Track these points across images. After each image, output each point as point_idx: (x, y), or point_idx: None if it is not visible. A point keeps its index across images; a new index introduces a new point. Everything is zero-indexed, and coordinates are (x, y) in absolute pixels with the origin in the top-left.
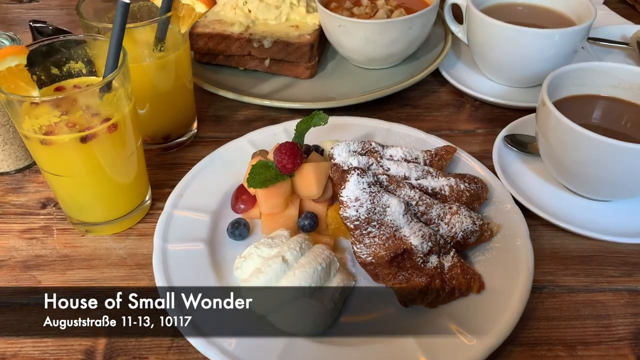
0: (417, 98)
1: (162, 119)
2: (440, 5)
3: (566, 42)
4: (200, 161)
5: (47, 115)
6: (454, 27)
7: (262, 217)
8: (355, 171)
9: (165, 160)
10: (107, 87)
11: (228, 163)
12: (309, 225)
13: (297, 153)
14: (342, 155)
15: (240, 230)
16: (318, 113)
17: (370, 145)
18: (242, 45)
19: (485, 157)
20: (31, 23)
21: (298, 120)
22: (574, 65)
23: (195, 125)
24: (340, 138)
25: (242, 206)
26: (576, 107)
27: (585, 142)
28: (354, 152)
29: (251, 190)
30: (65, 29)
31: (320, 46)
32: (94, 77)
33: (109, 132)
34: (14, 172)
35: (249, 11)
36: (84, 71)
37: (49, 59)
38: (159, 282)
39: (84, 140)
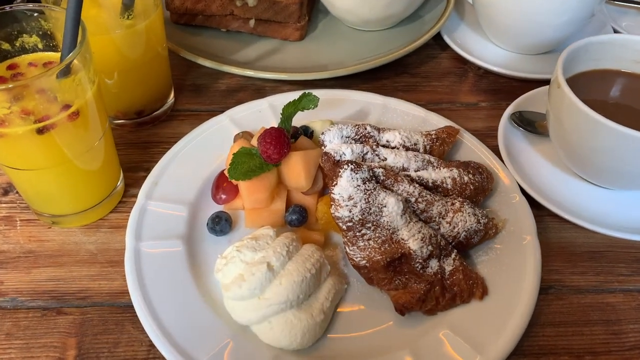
0: (415, 65)
1: (134, 93)
2: None
3: (582, 7)
4: (176, 143)
5: None
6: None
7: (245, 210)
8: (348, 166)
9: (139, 138)
10: (66, 71)
11: (207, 145)
12: (297, 221)
13: (283, 141)
14: (334, 142)
15: (221, 225)
16: (307, 95)
17: (365, 129)
18: (224, 3)
19: (489, 136)
20: None
21: (284, 95)
22: (592, 38)
23: (172, 96)
24: (331, 115)
25: (223, 196)
26: (593, 85)
27: (604, 132)
28: (347, 137)
29: (233, 181)
30: None
31: (310, 3)
32: (52, 53)
33: (70, 121)
34: None
35: None
36: (40, 45)
37: None
38: (132, 289)
39: (40, 131)
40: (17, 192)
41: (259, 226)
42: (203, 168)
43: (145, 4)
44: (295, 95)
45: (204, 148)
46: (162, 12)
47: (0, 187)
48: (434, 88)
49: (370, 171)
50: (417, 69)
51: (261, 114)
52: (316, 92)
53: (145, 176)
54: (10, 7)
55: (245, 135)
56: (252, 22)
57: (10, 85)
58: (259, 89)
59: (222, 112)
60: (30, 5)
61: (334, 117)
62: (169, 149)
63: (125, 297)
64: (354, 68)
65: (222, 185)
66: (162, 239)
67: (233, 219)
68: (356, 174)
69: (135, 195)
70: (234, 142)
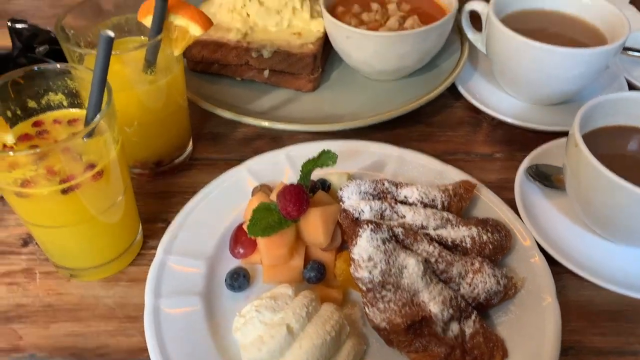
0: (430, 114)
1: (154, 144)
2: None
3: (596, 61)
4: (194, 195)
5: (23, 169)
6: (471, 35)
7: (264, 266)
8: (368, 226)
9: (158, 188)
10: (91, 133)
11: (225, 197)
12: (315, 278)
13: (303, 198)
14: (352, 199)
15: (239, 282)
16: (326, 152)
17: (383, 185)
18: (240, 54)
19: (505, 189)
20: (9, 23)
21: (301, 146)
22: (607, 96)
23: (190, 145)
24: (347, 166)
25: (241, 251)
26: (610, 141)
27: (622, 192)
28: (365, 193)
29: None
30: (47, 28)
31: (325, 53)
32: (77, 110)
33: (94, 180)
34: None
35: (247, 15)
36: (64, 103)
37: (25, 91)
38: (152, 348)
39: (65, 191)
40: (36, 243)
41: (277, 282)
42: (221, 221)
43: (168, 59)
44: (312, 146)
45: (222, 200)
46: (183, 66)
47: (20, 238)
48: (449, 138)
49: (390, 231)
50: (431, 118)
51: (278, 165)
52: (332, 143)
53: (164, 227)
54: (39, 68)
55: (264, 188)
56: (266, 73)
57: (38, 150)
58: (275, 138)
59: (239, 160)
60: (58, 66)
61: (351, 168)
62: (187, 199)
63: (143, 354)
64: (370, 120)
65: (240, 239)
66: (181, 295)
67: (251, 273)
68: (376, 234)
69: (154, 247)
70: (252, 195)
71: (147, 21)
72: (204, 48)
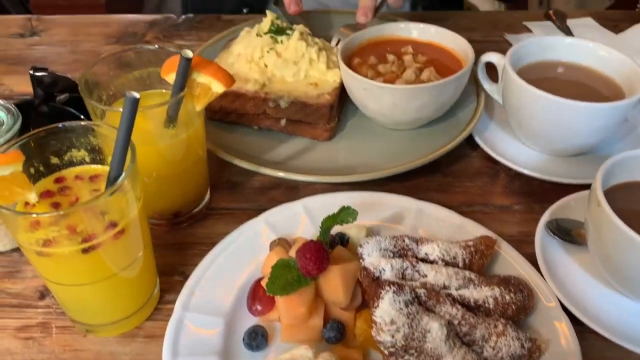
0: (447, 164)
1: (173, 196)
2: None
3: (615, 115)
4: (212, 249)
5: (45, 230)
6: (487, 86)
7: (282, 325)
8: (390, 287)
9: (175, 238)
10: (113, 192)
11: (243, 251)
12: (334, 338)
13: (323, 256)
14: (372, 256)
15: (257, 341)
16: (346, 209)
17: (404, 241)
18: (257, 104)
19: (525, 242)
20: (31, 72)
21: (318, 197)
22: (627, 153)
23: (207, 195)
24: (365, 218)
25: (259, 308)
26: (631, 196)
27: None
28: (385, 250)
29: None
30: (68, 76)
31: (341, 102)
32: (99, 166)
33: (116, 239)
34: (10, 251)
35: (265, 66)
36: (87, 159)
37: (48, 147)
38: None
39: (85, 250)
40: (53, 297)
41: (296, 341)
42: (239, 275)
43: (190, 114)
44: (329, 198)
45: (240, 254)
46: (203, 120)
47: (37, 290)
48: (467, 189)
49: (413, 292)
50: (449, 168)
51: (296, 217)
52: (350, 195)
53: (181, 280)
54: (63, 125)
55: (282, 242)
56: (283, 122)
57: (62, 212)
58: (292, 187)
59: (256, 210)
60: (82, 123)
61: (369, 220)
62: (204, 250)
63: None
64: (387, 172)
65: (258, 296)
66: (199, 355)
67: (269, 331)
68: (399, 296)
69: (171, 302)
70: (270, 249)
71: (170, 78)
72: (222, 98)
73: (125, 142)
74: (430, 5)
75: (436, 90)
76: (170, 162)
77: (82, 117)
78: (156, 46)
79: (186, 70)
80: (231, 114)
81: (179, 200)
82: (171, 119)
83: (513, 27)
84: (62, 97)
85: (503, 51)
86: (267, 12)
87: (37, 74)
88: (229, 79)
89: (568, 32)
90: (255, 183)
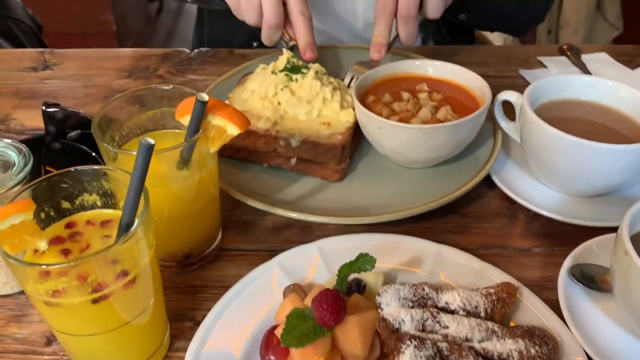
0: (464, 204)
1: (185, 237)
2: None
3: (637, 156)
4: (223, 295)
5: (55, 280)
6: (504, 124)
7: None
8: (411, 342)
9: (185, 281)
10: (125, 241)
11: (255, 297)
12: None
13: (340, 306)
14: (391, 305)
15: None
16: (364, 256)
17: (423, 290)
18: (268, 142)
19: (546, 288)
20: (43, 107)
21: (332, 239)
22: None
23: (219, 235)
24: (382, 262)
25: (272, 358)
26: None
27: None
28: (404, 299)
29: None
30: (80, 111)
31: (354, 141)
32: (111, 210)
33: (126, 289)
34: (18, 294)
35: (279, 103)
36: (98, 203)
37: (60, 192)
38: None
39: (95, 301)
40: (59, 343)
41: None
42: (251, 322)
43: (203, 156)
44: (344, 240)
45: (252, 301)
46: (217, 161)
47: (43, 336)
48: (485, 230)
49: (434, 346)
50: (466, 208)
51: (310, 260)
52: (366, 237)
53: (191, 326)
54: (75, 169)
55: (296, 288)
56: (293, 161)
57: (72, 263)
58: (305, 227)
59: (269, 251)
60: (95, 167)
61: (386, 264)
62: (215, 294)
63: None
64: (402, 214)
65: (272, 345)
66: None
67: None
68: (420, 351)
69: (181, 349)
70: (284, 296)
71: (185, 120)
72: None
73: (139, 188)
74: (441, 38)
75: (453, 130)
76: (183, 204)
77: (93, 154)
78: (171, 86)
79: (201, 113)
80: (242, 150)
81: (191, 242)
82: (185, 160)
83: (527, 62)
84: (73, 133)
85: (517, 86)
86: (284, 50)
87: (49, 109)
88: (245, 121)
89: (583, 67)
90: (267, 222)
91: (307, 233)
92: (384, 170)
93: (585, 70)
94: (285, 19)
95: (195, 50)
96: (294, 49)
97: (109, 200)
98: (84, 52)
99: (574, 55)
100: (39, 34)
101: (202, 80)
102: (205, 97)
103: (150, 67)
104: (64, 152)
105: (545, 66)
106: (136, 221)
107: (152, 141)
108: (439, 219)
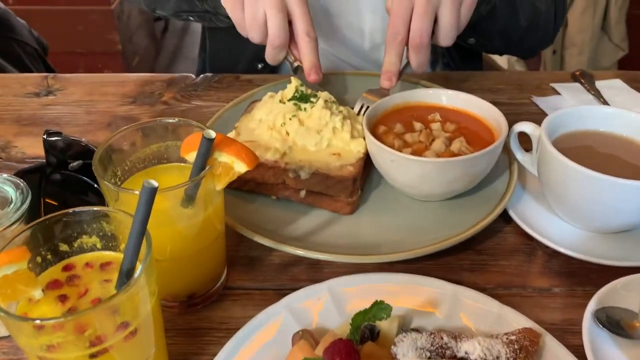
0: (479, 240)
1: (188, 277)
2: None
3: None
4: (228, 342)
5: (49, 336)
6: (520, 156)
7: None
8: None
9: (188, 323)
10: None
11: (262, 344)
12: None
13: (354, 358)
14: (408, 357)
15: None
16: (379, 303)
17: (442, 339)
18: (277, 174)
19: (569, 332)
20: (45, 136)
21: (343, 279)
22: None
23: (224, 273)
24: (397, 303)
25: None
26: None
27: None
28: (421, 349)
29: None
30: (82, 140)
31: (365, 172)
32: (111, 253)
33: (126, 341)
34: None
35: (287, 134)
36: (98, 245)
37: (58, 235)
38: None
39: (94, 355)
40: None
41: None
42: None
43: (209, 193)
44: (355, 281)
45: (259, 348)
46: (223, 198)
47: None
48: (502, 268)
49: None
50: (482, 244)
51: (320, 301)
52: (378, 277)
53: None
54: (74, 211)
55: (305, 335)
56: (302, 193)
57: (69, 318)
58: (314, 264)
59: (275, 290)
60: (95, 209)
61: (400, 305)
62: (220, 337)
63: None
64: (416, 252)
65: None
66: None
67: None
68: None
69: None
70: (293, 343)
71: (190, 157)
72: None
73: (141, 233)
74: (451, 60)
75: (469, 163)
76: (187, 243)
77: (95, 185)
78: (176, 119)
79: (208, 150)
80: (249, 182)
81: (195, 281)
82: (190, 198)
83: (540, 89)
84: (75, 164)
85: (531, 114)
86: (292, 78)
87: (50, 138)
88: (253, 158)
89: (598, 94)
90: (274, 258)
91: (316, 270)
92: (396, 202)
93: (600, 98)
94: (291, 38)
95: (201, 76)
96: (297, 70)
97: (109, 242)
98: (87, 77)
99: (588, 81)
100: (44, 55)
101: (208, 107)
102: (212, 134)
103: (155, 92)
104: (64, 184)
105: (558, 93)
106: (138, 268)
107: (155, 184)
108: (454, 256)
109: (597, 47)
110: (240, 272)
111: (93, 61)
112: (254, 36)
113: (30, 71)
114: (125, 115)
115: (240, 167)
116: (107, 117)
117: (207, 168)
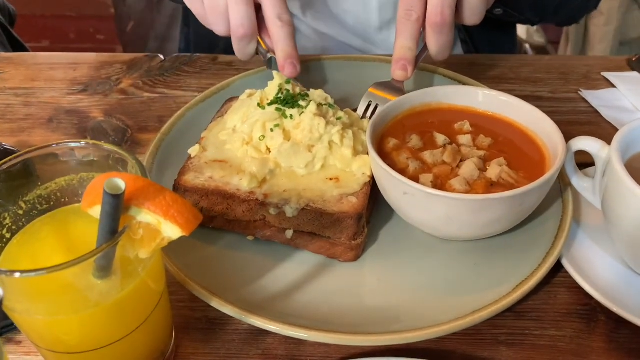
0: (520, 301)
1: None
2: None
3: None
4: None
5: None
6: (576, 181)
7: None
8: None
9: None
10: None
11: None
12: None
13: None
14: None
15: None
16: None
17: None
18: (253, 209)
19: None
20: None
21: None
22: None
23: (172, 344)
24: None
25: None
26: None
27: None
28: None
29: None
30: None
31: (372, 199)
32: None
33: None
34: None
35: (268, 150)
36: None
37: None
38: None
39: None
40: None
41: None
42: None
43: (132, 262)
44: None
45: None
46: (161, 259)
47: None
48: (553, 341)
49: None
50: (522, 305)
51: None
52: None
53: None
54: None
55: None
56: (289, 233)
57: None
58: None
59: None
60: None
61: None
62: None
63: None
64: (439, 330)
65: None
66: None
67: None
68: None
69: None
70: None
71: (96, 212)
72: (202, 199)
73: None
74: (477, 33)
75: (515, 201)
76: (112, 324)
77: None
78: (82, 142)
79: (115, 210)
80: (217, 218)
81: None
82: (103, 268)
83: (589, 79)
84: None
85: (579, 114)
86: (274, 73)
87: None
88: (191, 219)
89: None
90: (242, 324)
91: (296, 345)
92: (413, 243)
93: None
94: (263, 25)
95: (170, 57)
96: (272, 62)
97: None
98: (34, 58)
99: None
100: (8, 26)
101: (175, 97)
102: (118, 186)
103: (112, 77)
104: None
105: (613, 85)
106: None
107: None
108: (488, 324)
109: (625, 16)
110: (194, 342)
111: (84, 25)
112: (218, 28)
113: None
114: (71, 109)
115: (172, 232)
116: (48, 111)
117: (121, 230)
